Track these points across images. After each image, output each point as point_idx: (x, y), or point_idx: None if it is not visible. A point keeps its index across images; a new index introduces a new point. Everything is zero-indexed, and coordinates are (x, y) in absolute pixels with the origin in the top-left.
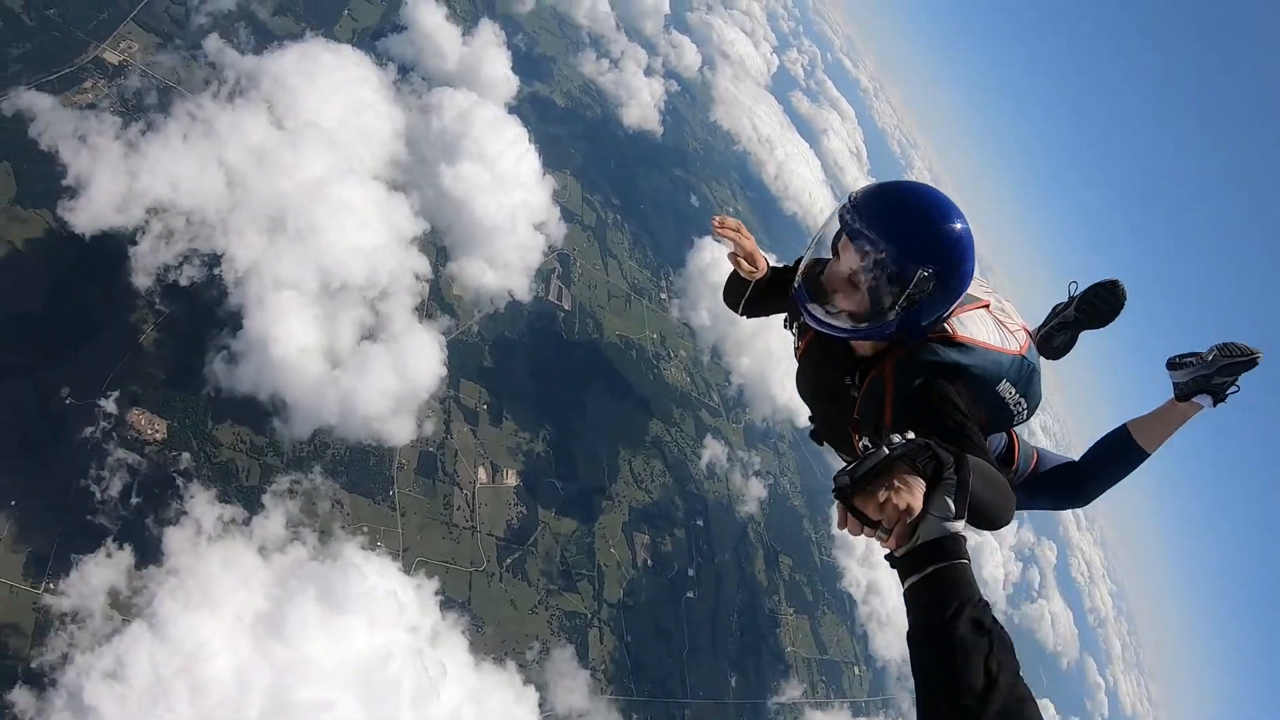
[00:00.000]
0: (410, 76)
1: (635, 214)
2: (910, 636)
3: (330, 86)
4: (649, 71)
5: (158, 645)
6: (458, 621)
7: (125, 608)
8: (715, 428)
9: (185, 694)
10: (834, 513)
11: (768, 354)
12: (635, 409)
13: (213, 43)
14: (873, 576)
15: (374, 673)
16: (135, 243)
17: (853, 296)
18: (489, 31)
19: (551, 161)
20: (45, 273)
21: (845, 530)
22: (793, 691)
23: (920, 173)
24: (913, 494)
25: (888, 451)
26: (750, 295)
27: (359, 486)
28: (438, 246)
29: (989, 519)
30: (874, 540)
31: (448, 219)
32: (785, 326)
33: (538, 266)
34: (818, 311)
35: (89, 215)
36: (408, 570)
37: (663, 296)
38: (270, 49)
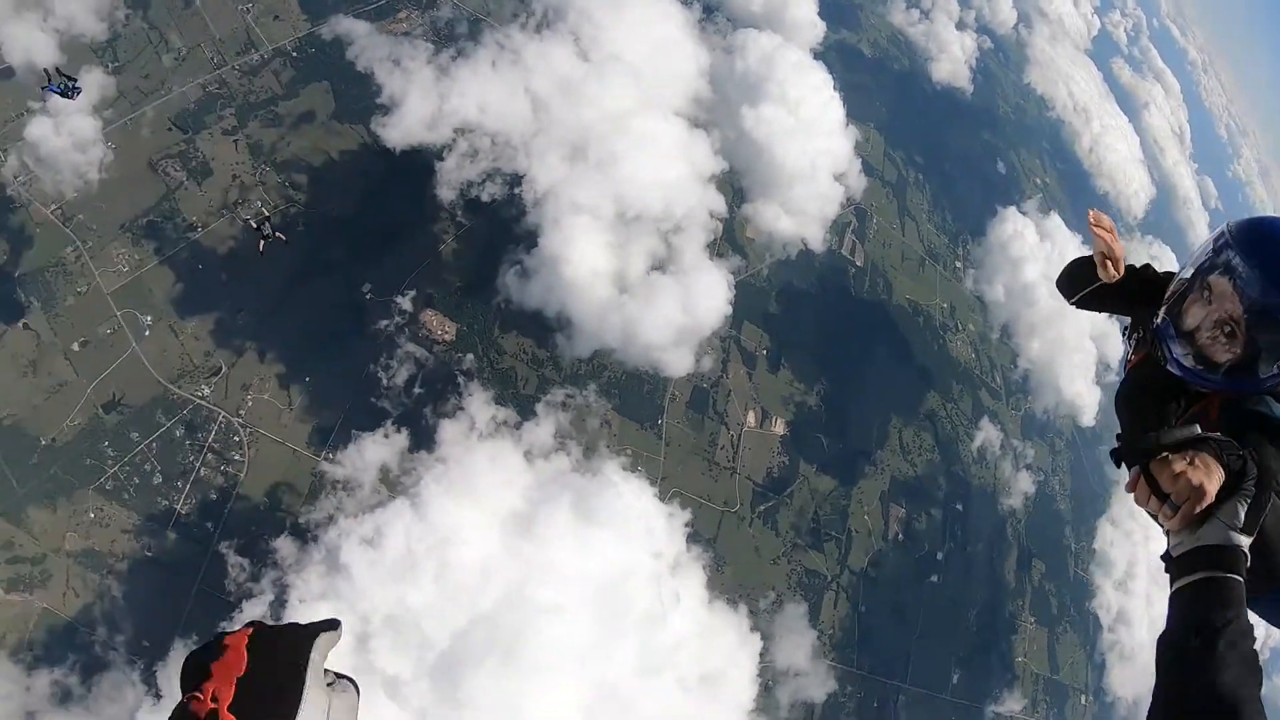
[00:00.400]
0: (715, 16)
1: (938, 175)
2: (1163, 638)
3: (635, 23)
4: (961, 25)
5: (416, 523)
6: (700, 556)
7: (393, 484)
8: (993, 411)
9: (431, 571)
10: (1123, 480)
11: (1060, 342)
12: (914, 378)
13: None
14: (1126, 604)
15: (610, 587)
16: (442, 159)
17: (1223, 344)
18: None
19: (855, 112)
20: (358, 181)
21: (1132, 495)
22: (1013, 704)
23: (1248, 164)
24: (1209, 477)
25: (1201, 430)
26: (1092, 292)
27: (629, 410)
28: (735, 187)
29: (1272, 564)
30: (1154, 523)
31: (747, 160)
32: (1124, 338)
33: (833, 218)
34: (1180, 354)
35: (400, 131)
36: (662, 498)
37: (958, 265)
38: None
